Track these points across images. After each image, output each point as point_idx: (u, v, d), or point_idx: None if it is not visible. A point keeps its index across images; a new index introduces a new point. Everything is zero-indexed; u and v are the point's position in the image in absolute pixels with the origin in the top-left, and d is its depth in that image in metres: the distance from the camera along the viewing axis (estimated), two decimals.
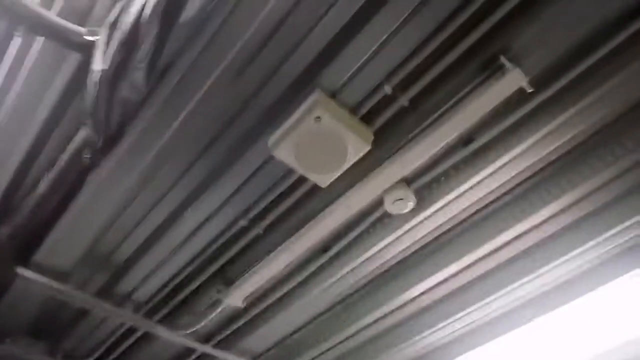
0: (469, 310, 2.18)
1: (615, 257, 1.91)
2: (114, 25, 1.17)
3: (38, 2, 1.27)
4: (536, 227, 1.89)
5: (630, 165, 1.60)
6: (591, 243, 1.84)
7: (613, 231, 1.78)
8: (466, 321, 2.24)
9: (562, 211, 1.81)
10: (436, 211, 1.86)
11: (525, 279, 2.03)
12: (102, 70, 1.17)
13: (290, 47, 1.44)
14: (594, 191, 1.74)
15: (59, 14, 1.31)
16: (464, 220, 1.95)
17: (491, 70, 1.40)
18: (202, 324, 2.28)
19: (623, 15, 1.36)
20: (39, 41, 1.40)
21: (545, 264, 1.96)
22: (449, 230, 1.99)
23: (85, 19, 1.35)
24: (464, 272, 2.10)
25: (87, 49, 1.29)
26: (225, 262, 2.09)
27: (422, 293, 2.19)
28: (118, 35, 1.14)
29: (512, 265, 2.04)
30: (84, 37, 1.28)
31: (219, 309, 2.20)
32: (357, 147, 1.57)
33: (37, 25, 1.24)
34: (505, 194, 1.83)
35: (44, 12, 1.24)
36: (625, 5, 1.34)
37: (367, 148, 1.58)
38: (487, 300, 2.14)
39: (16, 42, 1.45)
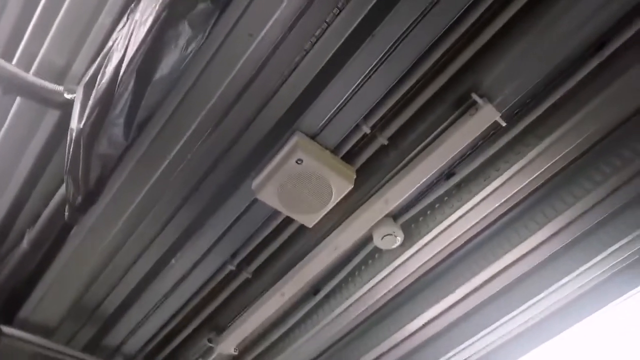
0: (465, 344, 2.13)
1: (615, 275, 1.89)
2: (90, 84, 1.19)
3: (15, 63, 1.29)
4: (525, 255, 1.88)
5: (610, 190, 1.61)
6: (583, 267, 1.83)
7: (608, 251, 1.76)
8: (463, 355, 2.19)
9: (551, 237, 1.80)
10: (425, 244, 1.85)
11: (521, 308, 2.00)
12: (80, 128, 1.18)
13: (268, 93, 1.47)
14: (579, 216, 1.74)
15: (37, 73, 1.33)
16: (454, 252, 1.93)
17: (465, 107, 1.43)
18: None
19: (588, 48, 1.41)
20: (18, 100, 1.42)
21: (540, 290, 1.94)
22: (440, 262, 1.98)
23: (64, 77, 1.37)
24: (458, 305, 2.06)
25: (65, 106, 1.30)
26: (215, 309, 2.06)
27: (418, 329, 2.15)
28: (95, 94, 1.16)
29: (507, 295, 2.02)
30: (63, 95, 1.29)
31: (211, 358, 2.14)
32: (340, 186, 1.58)
33: (15, 86, 1.25)
34: (491, 224, 1.83)
35: (21, 72, 1.26)
36: (590, 38, 1.38)
37: (350, 186, 1.58)
38: (484, 332, 2.10)
39: None
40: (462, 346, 2.13)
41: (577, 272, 1.83)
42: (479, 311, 2.07)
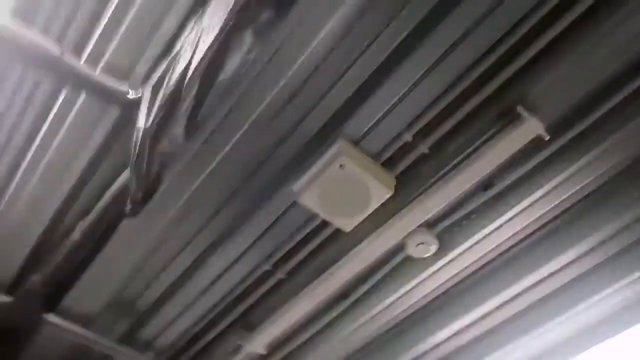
0: (492, 357, 2.13)
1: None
2: (157, 86, 1.27)
3: (84, 61, 1.38)
4: (557, 272, 1.88)
5: None
6: (615, 286, 1.82)
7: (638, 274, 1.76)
8: None
9: (585, 254, 1.80)
10: (458, 255, 1.87)
11: (548, 324, 1.99)
12: (146, 127, 1.26)
13: (315, 100, 1.53)
14: (614, 235, 1.73)
15: (103, 71, 1.42)
16: (486, 264, 1.94)
17: (508, 119, 1.46)
18: None
19: (635, 64, 1.43)
20: (82, 97, 1.51)
21: (568, 309, 1.93)
22: (471, 274, 1.98)
23: (127, 77, 1.46)
24: (487, 317, 2.06)
25: (126, 104, 1.38)
26: (247, 307, 2.10)
27: (446, 339, 2.15)
28: (162, 94, 1.23)
29: (536, 310, 2.01)
30: (126, 94, 1.37)
31: (240, 356, 2.18)
32: (379, 192, 1.62)
33: (83, 83, 1.34)
34: (525, 238, 1.84)
35: (88, 70, 1.35)
36: (636, 57, 1.41)
37: (390, 193, 1.62)
38: (511, 346, 2.09)
39: (61, 96, 1.55)
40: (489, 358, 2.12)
41: (609, 290, 1.82)
42: (507, 325, 2.07)
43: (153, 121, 1.23)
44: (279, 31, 1.38)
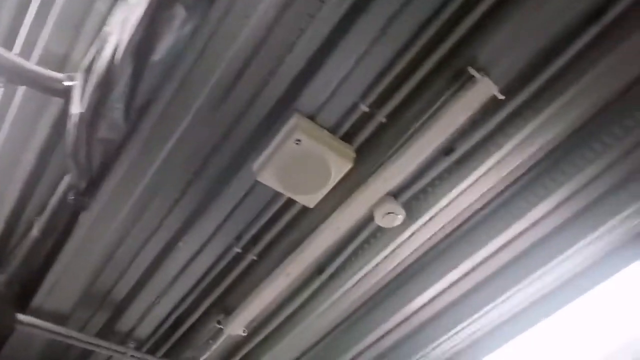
0: (472, 318, 2.15)
1: (617, 248, 1.89)
2: (89, 69, 1.21)
3: (17, 53, 1.32)
4: (529, 228, 1.89)
5: (611, 161, 1.61)
6: (589, 238, 1.82)
7: (611, 223, 1.76)
8: (471, 329, 2.21)
9: (553, 211, 1.81)
10: (427, 222, 1.87)
11: (526, 281, 2.02)
12: (80, 113, 1.21)
13: (265, 75, 1.48)
14: (582, 188, 1.74)
15: (38, 62, 1.35)
16: (456, 228, 1.95)
17: (461, 81, 1.43)
18: (206, 355, 2.26)
19: (586, 17, 1.40)
20: (21, 89, 1.45)
21: (544, 263, 1.95)
22: (442, 239, 1.99)
23: (64, 65, 1.39)
24: (462, 280, 2.09)
25: (67, 93, 1.33)
26: (223, 291, 2.09)
27: (423, 305, 2.18)
28: (93, 79, 1.18)
29: (512, 268, 2.03)
30: (63, 82, 1.32)
31: (221, 339, 2.19)
32: (339, 165, 1.60)
33: (17, 75, 1.28)
34: (493, 199, 1.84)
35: (22, 61, 1.28)
36: (587, 8, 1.37)
37: (350, 166, 1.60)
38: (489, 306, 2.12)
39: None
40: (468, 320, 2.15)
41: (579, 245, 1.84)
42: (483, 286, 2.09)
43: (87, 105, 1.18)
44: (218, 5, 1.32)
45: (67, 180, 1.52)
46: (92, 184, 1.35)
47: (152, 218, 1.81)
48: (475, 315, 2.12)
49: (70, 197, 1.41)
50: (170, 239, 1.90)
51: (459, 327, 2.18)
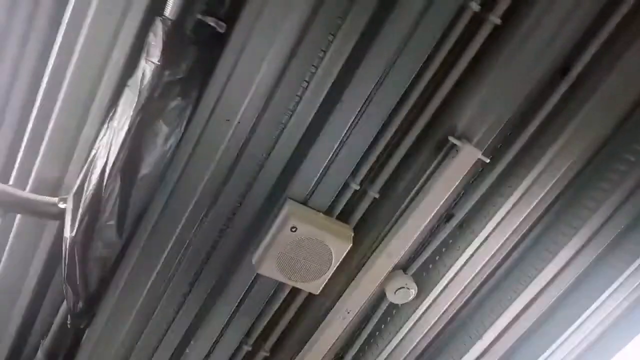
0: None
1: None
2: (78, 192, 1.25)
3: (12, 183, 1.37)
4: (548, 284, 1.81)
5: (618, 201, 1.57)
6: (614, 286, 1.74)
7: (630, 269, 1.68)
8: None
9: (568, 264, 1.74)
10: (441, 291, 1.80)
11: (557, 342, 1.89)
12: (72, 236, 1.22)
13: (254, 171, 1.51)
14: (593, 236, 1.68)
15: (32, 189, 1.40)
16: (473, 294, 1.87)
17: (445, 150, 1.45)
18: None
19: (555, 72, 1.44)
20: (18, 217, 1.48)
21: (573, 320, 1.84)
22: (461, 308, 1.90)
23: (59, 189, 1.44)
24: (490, 349, 1.96)
25: (62, 216, 1.35)
26: None
27: None
28: (83, 201, 1.21)
29: (538, 332, 1.91)
30: (58, 205, 1.35)
31: None
32: (339, 247, 1.57)
33: (13, 204, 1.32)
34: (504, 259, 1.78)
35: (17, 191, 1.33)
36: (554, 64, 1.42)
37: (349, 245, 1.57)
38: None
39: None
40: None
41: (602, 298, 1.74)
42: (514, 353, 1.96)
43: (78, 228, 1.20)
44: (200, 114, 1.38)
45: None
46: (91, 303, 1.33)
47: (156, 327, 1.76)
48: None
49: (68, 321, 1.39)
50: (179, 345, 1.83)
51: None
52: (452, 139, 1.39)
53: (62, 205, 1.34)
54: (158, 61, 1.10)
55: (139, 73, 1.15)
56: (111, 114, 1.26)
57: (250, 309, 1.76)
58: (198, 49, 1.20)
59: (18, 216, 1.47)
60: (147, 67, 1.12)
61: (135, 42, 1.26)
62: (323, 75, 1.39)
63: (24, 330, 1.72)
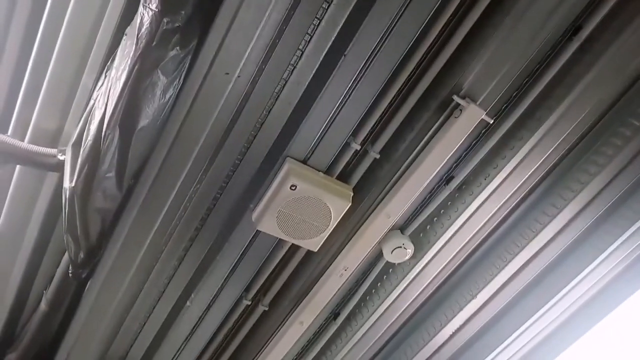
0: (499, 349, 2.06)
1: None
2: (77, 143, 1.24)
3: (10, 134, 1.36)
4: (543, 247, 1.83)
5: (616, 169, 1.56)
6: (605, 253, 1.76)
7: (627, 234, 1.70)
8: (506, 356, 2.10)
9: (564, 228, 1.75)
10: (437, 252, 1.82)
11: (548, 305, 1.93)
12: (71, 187, 1.22)
13: (254, 127, 1.50)
14: (592, 200, 1.69)
15: (32, 140, 1.39)
16: (468, 256, 1.89)
17: (449, 110, 1.42)
18: None
19: (565, 32, 1.40)
20: (17, 168, 1.48)
21: (565, 283, 1.87)
22: (456, 269, 1.93)
23: (57, 140, 1.43)
24: (483, 309, 2.00)
25: (61, 167, 1.35)
26: (238, 345, 2.04)
27: (447, 339, 2.09)
28: (82, 152, 1.20)
29: (532, 292, 1.95)
30: (56, 156, 1.34)
31: None
32: (338, 206, 1.58)
33: (11, 155, 1.31)
34: (501, 222, 1.79)
35: (15, 141, 1.32)
36: (564, 23, 1.37)
37: (348, 205, 1.58)
38: (516, 334, 2.03)
39: None
40: (496, 351, 2.06)
41: (599, 259, 1.77)
42: (507, 312, 2.01)
43: (77, 179, 1.19)
44: (199, 67, 1.35)
45: None
46: (92, 254, 1.35)
47: (157, 280, 1.80)
48: (501, 346, 2.02)
49: (70, 271, 1.41)
50: (178, 299, 1.88)
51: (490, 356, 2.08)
52: (456, 98, 1.37)
53: (61, 157, 1.34)
54: (156, 7, 1.07)
55: (136, 20, 1.12)
56: (109, 63, 1.23)
57: (249, 265, 1.78)
58: None
59: (18, 167, 1.47)
60: (145, 14, 1.09)
61: None
62: (326, 28, 1.35)
63: (27, 282, 1.76)
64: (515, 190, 1.65)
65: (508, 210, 1.73)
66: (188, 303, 1.88)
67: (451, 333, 2.06)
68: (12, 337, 1.82)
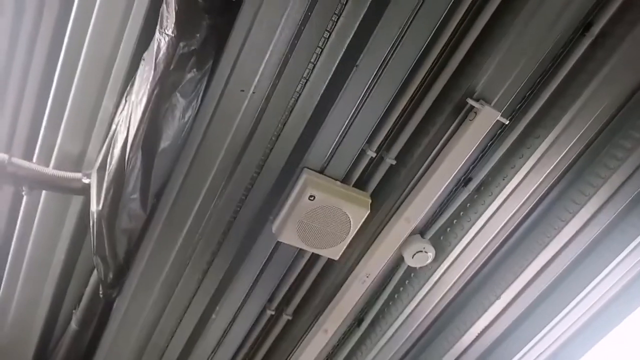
0: (526, 348, 2.04)
1: None
2: (102, 167, 1.28)
3: (35, 160, 1.40)
4: (565, 245, 1.81)
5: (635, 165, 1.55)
6: (632, 246, 1.73)
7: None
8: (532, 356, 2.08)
9: (586, 225, 1.73)
10: (458, 255, 1.82)
11: (573, 303, 1.91)
12: (99, 211, 1.26)
13: (271, 140, 1.52)
14: (614, 194, 1.67)
15: (55, 165, 1.43)
16: (490, 257, 1.88)
17: (463, 113, 1.43)
18: None
19: (577, 29, 1.39)
20: (44, 193, 1.52)
21: (588, 281, 1.85)
22: (478, 271, 1.92)
23: (81, 163, 1.47)
24: (507, 310, 1.99)
25: (86, 190, 1.39)
26: (264, 356, 2.06)
27: (472, 342, 2.07)
28: (107, 176, 1.24)
29: (556, 291, 1.93)
30: (81, 180, 1.38)
31: None
32: (356, 213, 1.59)
33: (37, 182, 1.35)
34: (522, 222, 1.78)
35: (40, 168, 1.36)
36: (575, 20, 1.37)
37: (367, 212, 1.59)
38: (543, 332, 2.00)
39: (23, 200, 1.57)
40: (523, 350, 2.04)
41: (625, 252, 1.74)
42: (532, 312, 1.99)
43: (104, 202, 1.23)
44: (215, 86, 1.38)
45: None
46: (120, 273, 1.38)
47: (183, 294, 1.83)
48: (528, 345, 2.00)
49: (100, 292, 1.44)
50: (204, 312, 1.90)
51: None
52: (470, 101, 1.37)
53: (85, 181, 1.38)
54: (172, 32, 1.10)
55: (153, 45, 1.15)
56: (128, 88, 1.26)
57: (272, 275, 1.80)
58: (211, 18, 1.18)
59: (43, 192, 1.51)
60: (162, 39, 1.12)
61: (148, 14, 1.25)
62: (337, 40, 1.37)
63: (57, 302, 1.80)
64: (535, 189, 1.64)
65: (528, 209, 1.72)
66: (213, 316, 1.91)
67: (476, 336, 2.05)
68: (45, 356, 1.86)
